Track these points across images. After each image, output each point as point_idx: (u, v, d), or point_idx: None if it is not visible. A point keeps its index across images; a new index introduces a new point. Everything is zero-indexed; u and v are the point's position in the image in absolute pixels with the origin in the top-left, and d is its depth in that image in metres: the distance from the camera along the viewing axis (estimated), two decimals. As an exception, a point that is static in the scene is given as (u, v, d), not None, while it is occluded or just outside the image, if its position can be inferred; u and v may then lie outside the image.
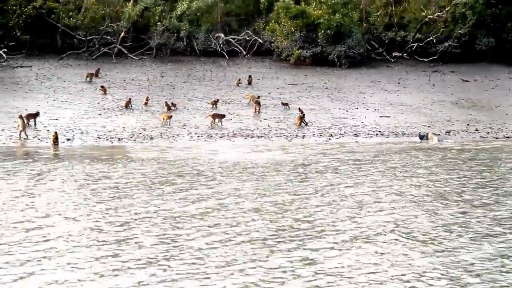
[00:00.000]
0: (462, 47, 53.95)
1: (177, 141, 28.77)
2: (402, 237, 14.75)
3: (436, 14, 53.94)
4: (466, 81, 47.71)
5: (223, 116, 32.93)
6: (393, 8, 56.69)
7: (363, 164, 23.99)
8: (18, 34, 47.55)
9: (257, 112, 35.60)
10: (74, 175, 20.74)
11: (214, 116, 32.74)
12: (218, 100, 37.02)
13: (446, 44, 53.52)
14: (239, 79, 43.59)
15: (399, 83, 46.47)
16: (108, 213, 16.20)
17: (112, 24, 51.26)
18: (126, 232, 14.65)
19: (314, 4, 53.95)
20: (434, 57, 53.56)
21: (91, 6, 51.49)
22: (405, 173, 22.49)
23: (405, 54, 54.48)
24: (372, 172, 22.42)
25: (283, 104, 37.07)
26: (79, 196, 17.93)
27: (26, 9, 48.25)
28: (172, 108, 35.05)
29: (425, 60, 53.49)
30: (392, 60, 53.82)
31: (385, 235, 14.88)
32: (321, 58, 52.09)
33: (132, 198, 17.84)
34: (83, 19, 51.11)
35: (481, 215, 16.82)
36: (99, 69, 44.38)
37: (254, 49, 55.26)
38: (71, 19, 50.71)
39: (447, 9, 54.14)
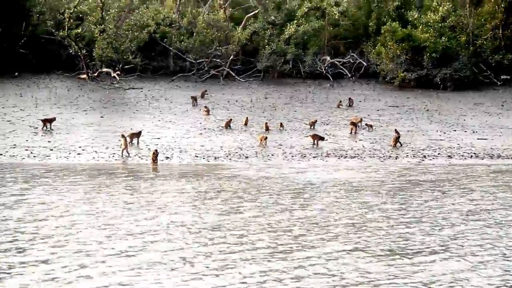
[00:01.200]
0: None
1: (271, 160, 29.67)
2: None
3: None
4: None
5: (322, 138, 33.59)
6: (502, 31, 56.03)
7: (435, 185, 24.40)
8: (131, 57, 49.89)
9: (352, 133, 36.25)
10: (155, 190, 22.19)
11: (314, 137, 33.57)
12: (316, 121, 37.90)
13: (557, 66, 52.81)
14: (340, 101, 44.38)
15: (503, 105, 46.14)
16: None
17: (220, 48, 53.17)
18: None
19: (420, 27, 54.15)
20: (545, 80, 52.97)
21: (202, 30, 53.50)
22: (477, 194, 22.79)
23: (513, 77, 53.99)
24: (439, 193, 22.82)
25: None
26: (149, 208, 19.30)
27: (138, 33, 50.69)
28: (280, 128, 36.28)
29: (535, 82, 52.91)
30: (499, 83, 53.38)
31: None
32: (426, 81, 52.39)
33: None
34: (194, 43, 53.19)
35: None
36: (205, 90, 46.10)
37: (361, 71, 56.06)
38: (183, 42, 52.94)
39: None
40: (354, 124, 36.86)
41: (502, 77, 54.12)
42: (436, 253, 15.71)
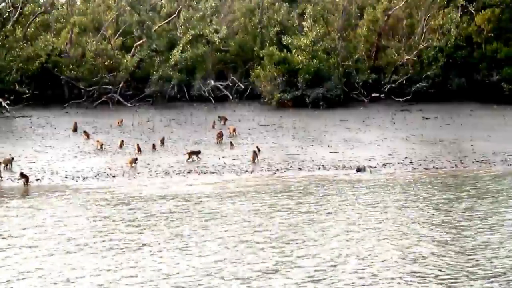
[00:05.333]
0: (435, 87, 58.40)
1: (136, 178, 33.11)
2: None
3: (406, 57, 58.41)
4: (426, 118, 51.60)
5: (199, 152, 37.67)
6: (370, 53, 61.31)
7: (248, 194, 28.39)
8: (18, 87, 52.74)
9: (218, 143, 41.84)
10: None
11: (191, 153, 37.37)
12: (164, 138, 41.96)
13: (418, 85, 57.88)
14: (214, 121, 47.99)
15: (364, 121, 50.44)
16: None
17: (105, 76, 56.51)
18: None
19: (294, 51, 58.56)
20: (408, 97, 57.85)
21: (90, 59, 56.72)
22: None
23: (382, 95, 58.72)
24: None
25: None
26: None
27: (26, 64, 53.82)
28: (153, 149, 39.72)
29: (400, 100, 57.68)
30: (366, 100, 58.15)
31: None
32: (301, 101, 56.70)
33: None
34: (83, 71, 56.32)
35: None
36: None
37: (247, 93, 60.11)
38: (72, 71, 55.99)
39: (415, 52, 58.65)
40: (220, 135, 42.51)
41: (373, 94, 58.80)
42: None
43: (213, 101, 57.81)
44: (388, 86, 58.84)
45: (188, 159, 36.96)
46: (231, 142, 41.68)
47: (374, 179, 32.89)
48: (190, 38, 59.41)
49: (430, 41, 59.95)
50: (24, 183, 30.95)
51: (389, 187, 30.93)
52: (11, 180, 31.97)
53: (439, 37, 60.06)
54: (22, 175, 31.22)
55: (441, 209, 26.27)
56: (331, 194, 29.06)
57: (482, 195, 29.05)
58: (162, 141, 41.40)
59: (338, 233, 22.22)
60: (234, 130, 44.82)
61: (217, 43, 60.57)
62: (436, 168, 36.10)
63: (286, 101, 56.66)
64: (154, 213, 25.11)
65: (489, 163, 37.06)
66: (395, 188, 30.79)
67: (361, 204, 26.99)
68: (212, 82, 59.47)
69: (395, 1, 64.53)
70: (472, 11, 61.63)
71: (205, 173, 34.49)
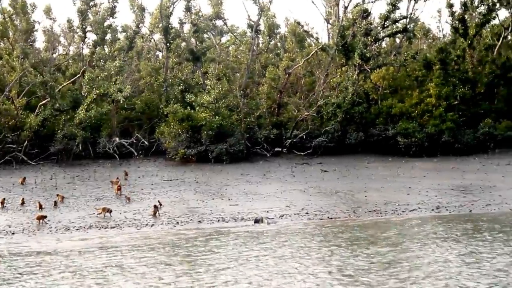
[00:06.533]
0: (334, 141, 60.61)
1: (35, 235, 33.41)
2: None
3: (306, 113, 60.63)
4: (325, 171, 53.40)
5: (110, 211, 38.06)
6: (272, 109, 63.49)
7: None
8: None
9: (119, 194, 43.32)
10: None
11: (104, 209, 37.98)
12: (60, 195, 42.08)
13: (318, 140, 60.00)
14: (117, 178, 48.51)
15: (265, 175, 51.90)
16: None
17: (8, 135, 56.51)
18: None
19: (198, 108, 59.97)
20: (309, 151, 59.83)
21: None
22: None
23: (284, 149, 60.55)
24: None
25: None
26: None
27: None
28: (54, 206, 39.80)
29: (301, 154, 59.57)
30: (268, 154, 59.87)
31: None
32: (205, 156, 57.80)
33: None
34: (-15, 131, 56.39)
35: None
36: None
37: (152, 150, 60.92)
38: (-28, 130, 55.95)
39: (314, 108, 60.96)
40: (119, 188, 43.94)
41: (275, 149, 60.58)
42: None
43: (118, 158, 58.44)
44: (290, 141, 60.76)
45: (100, 214, 37.54)
46: (125, 196, 42.45)
47: (267, 230, 34.01)
48: (94, 97, 60.01)
49: (329, 97, 62.46)
50: None
51: (275, 238, 32.20)
52: None
53: (337, 94, 62.65)
54: None
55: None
56: (214, 247, 30.18)
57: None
58: (62, 198, 41.65)
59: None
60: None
61: (121, 102, 61.37)
62: (330, 218, 37.52)
63: (190, 157, 57.70)
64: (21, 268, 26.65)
65: (381, 213, 38.73)
66: (280, 239, 32.03)
67: (237, 257, 28.32)
68: (117, 139, 60.16)
69: (297, 60, 67.31)
70: (368, 69, 64.43)
71: (105, 228, 34.98)
